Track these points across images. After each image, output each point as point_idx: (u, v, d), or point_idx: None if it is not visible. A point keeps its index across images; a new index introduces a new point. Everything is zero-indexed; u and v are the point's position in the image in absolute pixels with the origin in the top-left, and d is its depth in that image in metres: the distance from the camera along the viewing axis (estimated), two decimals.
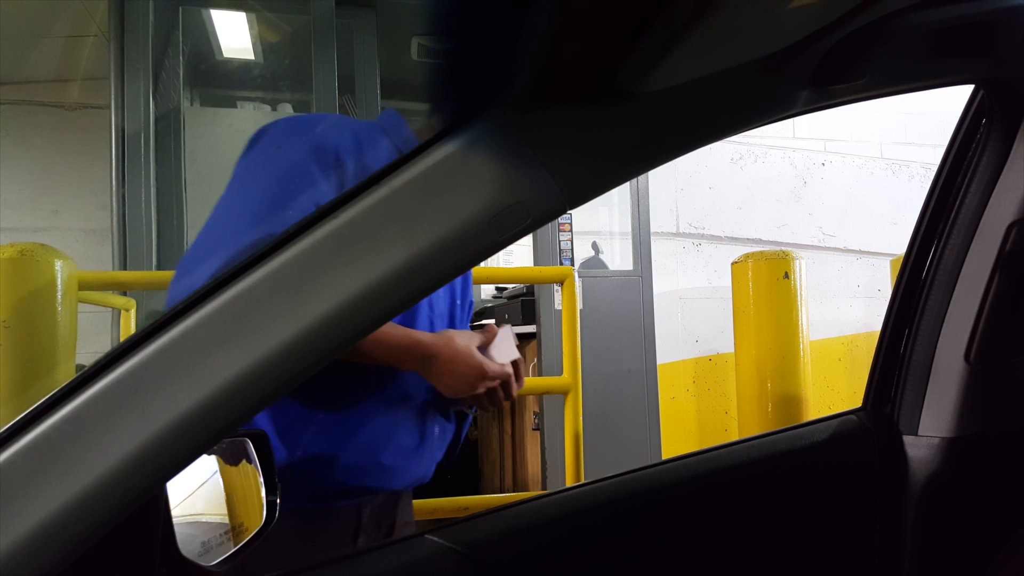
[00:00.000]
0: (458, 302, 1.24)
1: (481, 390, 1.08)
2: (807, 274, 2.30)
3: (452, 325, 1.19)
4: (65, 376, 1.84)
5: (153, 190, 3.20)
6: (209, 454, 0.73)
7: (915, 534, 0.92)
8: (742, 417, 2.37)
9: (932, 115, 4.63)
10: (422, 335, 1.06)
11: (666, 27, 0.52)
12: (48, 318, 1.82)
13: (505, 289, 3.86)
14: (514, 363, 1.12)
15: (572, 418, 2.16)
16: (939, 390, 0.93)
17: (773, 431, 0.97)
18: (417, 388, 1.10)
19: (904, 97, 0.79)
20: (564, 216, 2.79)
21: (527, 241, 3.47)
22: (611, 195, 3.60)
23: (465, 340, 1.07)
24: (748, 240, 4.47)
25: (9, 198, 4.15)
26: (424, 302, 1.09)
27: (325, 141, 1.01)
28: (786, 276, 2.26)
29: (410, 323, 1.08)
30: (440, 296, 1.17)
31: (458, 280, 1.21)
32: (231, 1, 3.54)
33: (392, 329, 1.03)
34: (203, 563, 0.67)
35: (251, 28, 3.70)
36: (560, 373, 2.24)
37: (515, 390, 1.13)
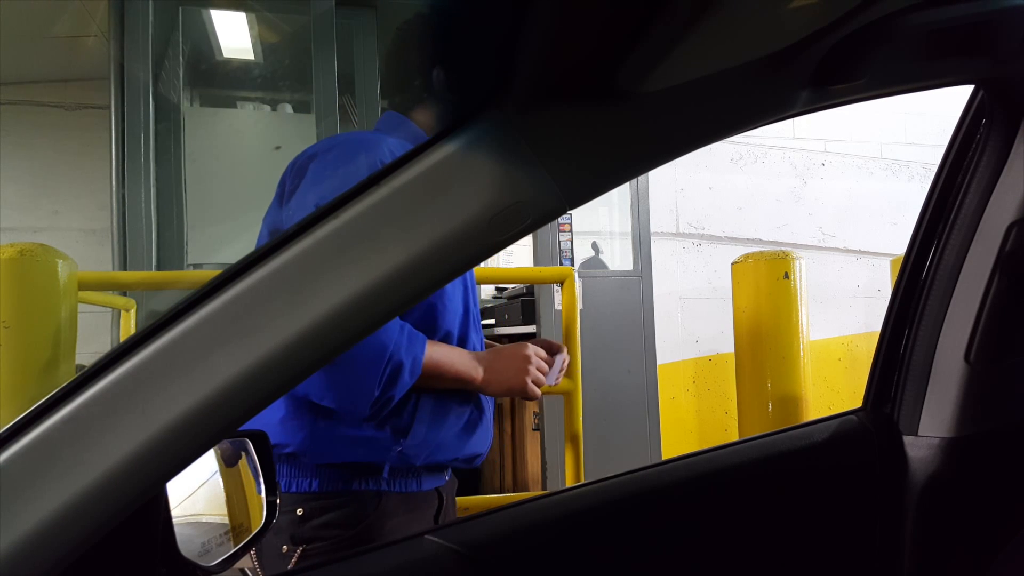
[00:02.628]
0: (472, 310, 1.30)
1: (532, 375, 1.25)
2: (807, 274, 2.30)
3: (465, 334, 1.28)
4: (65, 376, 1.84)
5: (153, 190, 3.20)
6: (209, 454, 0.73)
7: (915, 534, 0.92)
8: (742, 417, 2.37)
9: (932, 115, 4.63)
10: (469, 360, 1.23)
11: (666, 27, 0.52)
12: (48, 318, 1.82)
13: (505, 289, 3.86)
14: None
15: (572, 418, 2.16)
16: (939, 390, 0.93)
17: (773, 431, 0.97)
18: None
19: (904, 97, 0.79)
20: (564, 216, 2.79)
21: (527, 241, 3.47)
22: (611, 195, 3.60)
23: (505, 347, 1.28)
24: (748, 240, 4.47)
25: (9, 198, 4.16)
26: (442, 311, 1.24)
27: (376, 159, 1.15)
28: (786, 276, 2.26)
29: (430, 327, 1.21)
30: (455, 309, 1.26)
31: (470, 290, 1.32)
32: (231, 1, 3.54)
33: (444, 357, 1.19)
34: (203, 563, 0.67)
35: (251, 28, 3.70)
36: None
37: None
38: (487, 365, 1.24)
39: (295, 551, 1.14)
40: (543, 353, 1.29)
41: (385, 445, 1.16)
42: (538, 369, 1.27)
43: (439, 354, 1.18)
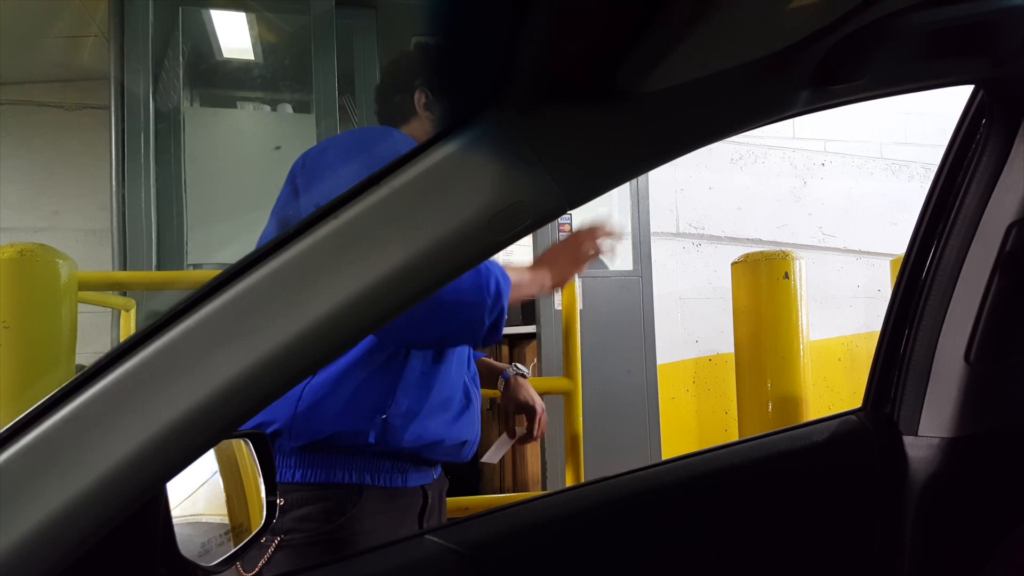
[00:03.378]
0: None
1: (588, 245, 1.28)
2: (807, 274, 2.30)
3: None
4: (65, 376, 1.84)
5: (153, 190, 3.19)
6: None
7: (915, 534, 0.92)
8: (742, 417, 2.37)
9: (932, 115, 4.63)
10: (527, 272, 1.27)
11: (665, 27, 0.52)
12: (48, 318, 1.82)
13: None
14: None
15: (572, 418, 2.16)
16: (939, 390, 0.93)
17: (773, 431, 0.97)
18: (461, 356, 1.33)
19: (904, 97, 0.79)
20: (564, 216, 2.78)
21: (527, 241, 3.47)
22: (611, 195, 3.60)
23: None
24: (748, 240, 4.47)
25: (9, 198, 4.15)
26: None
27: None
28: (786, 276, 2.26)
29: None
30: None
31: None
32: (231, 1, 3.54)
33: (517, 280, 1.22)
34: (203, 563, 0.67)
35: (251, 28, 3.70)
36: (560, 373, 2.24)
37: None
38: (548, 266, 1.27)
39: (272, 540, 1.15)
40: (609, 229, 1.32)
41: (368, 415, 1.18)
42: (596, 239, 1.29)
43: (514, 276, 1.22)
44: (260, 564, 1.15)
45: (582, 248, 1.28)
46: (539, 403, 1.50)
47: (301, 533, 1.16)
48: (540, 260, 1.29)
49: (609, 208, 3.92)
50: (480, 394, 1.37)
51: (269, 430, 1.16)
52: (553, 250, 1.30)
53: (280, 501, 1.14)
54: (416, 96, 1.36)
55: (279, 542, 1.15)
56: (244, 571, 1.16)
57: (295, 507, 1.16)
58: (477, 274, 1.14)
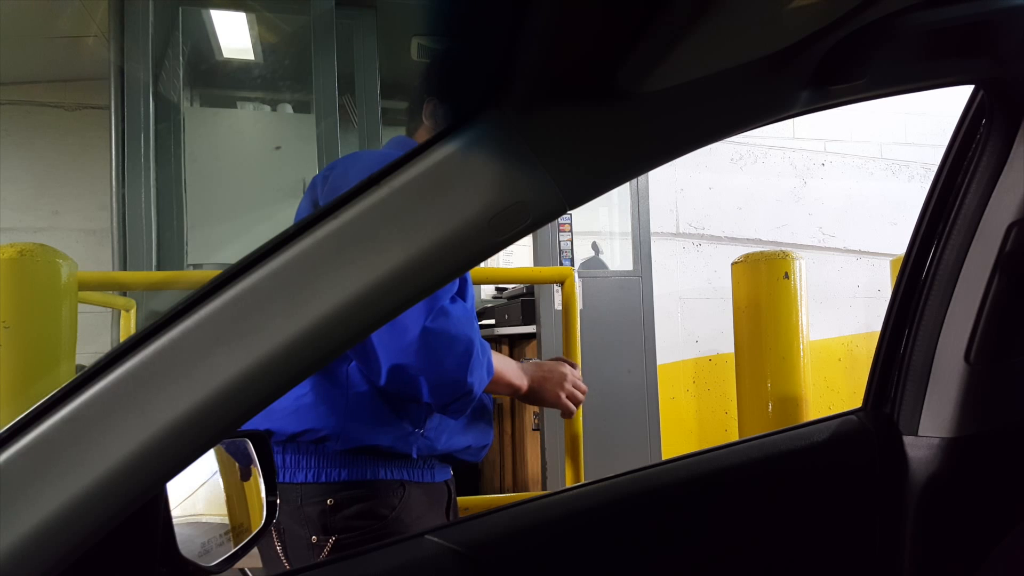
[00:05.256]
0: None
1: (567, 391, 1.37)
2: (807, 274, 2.30)
3: None
4: (65, 376, 1.84)
5: (153, 190, 3.20)
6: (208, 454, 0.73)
7: (915, 534, 0.92)
8: (742, 417, 2.37)
9: (932, 115, 4.63)
10: (516, 370, 1.34)
11: (666, 27, 0.52)
12: (48, 318, 1.82)
13: (505, 289, 3.86)
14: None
15: (572, 418, 2.16)
16: (939, 390, 0.93)
17: (773, 431, 0.97)
18: None
19: (904, 97, 0.79)
20: (564, 216, 2.78)
21: (527, 241, 3.47)
22: (611, 195, 3.60)
23: (546, 362, 1.41)
24: (748, 240, 4.47)
25: (9, 198, 4.15)
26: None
27: None
28: (786, 276, 2.26)
29: None
30: None
31: (468, 286, 1.37)
32: (231, 1, 3.54)
33: (500, 364, 1.28)
34: (203, 563, 0.67)
35: (251, 28, 3.70)
36: None
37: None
38: (530, 376, 1.34)
39: (326, 541, 1.17)
40: (578, 374, 1.41)
41: (409, 429, 1.23)
42: (573, 386, 1.37)
43: (497, 361, 1.27)
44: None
45: (564, 388, 1.36)
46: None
47: (355, 532, 1.18)
48: (533, 371, 1.35)
49: (609, 208, 3.92)
50: (491, 399, 1.41)
51: (317, 436, 1.18)
52: (544, 369, 1.37)
53: (330, 501, 1.17)
54: (425, 105, 1.37)
55: (335, 542, 1.17)
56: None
57: (346, 505, 1.19)
58: (472, 327, 1.19)
